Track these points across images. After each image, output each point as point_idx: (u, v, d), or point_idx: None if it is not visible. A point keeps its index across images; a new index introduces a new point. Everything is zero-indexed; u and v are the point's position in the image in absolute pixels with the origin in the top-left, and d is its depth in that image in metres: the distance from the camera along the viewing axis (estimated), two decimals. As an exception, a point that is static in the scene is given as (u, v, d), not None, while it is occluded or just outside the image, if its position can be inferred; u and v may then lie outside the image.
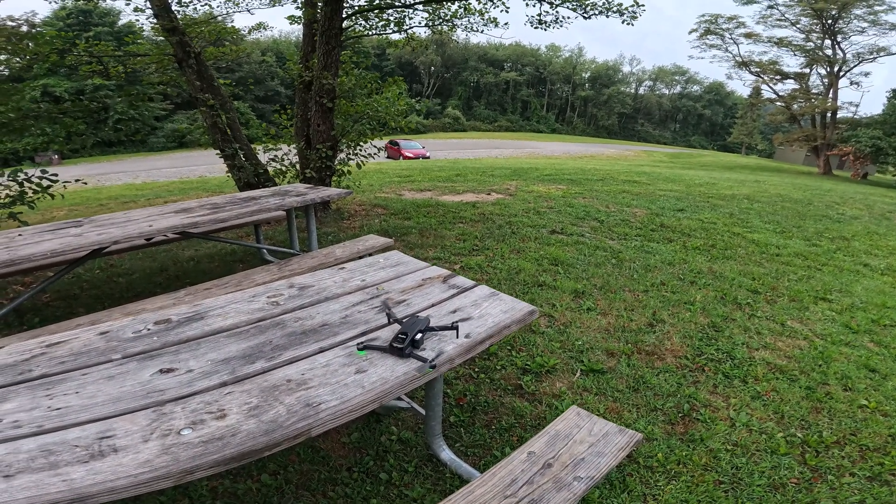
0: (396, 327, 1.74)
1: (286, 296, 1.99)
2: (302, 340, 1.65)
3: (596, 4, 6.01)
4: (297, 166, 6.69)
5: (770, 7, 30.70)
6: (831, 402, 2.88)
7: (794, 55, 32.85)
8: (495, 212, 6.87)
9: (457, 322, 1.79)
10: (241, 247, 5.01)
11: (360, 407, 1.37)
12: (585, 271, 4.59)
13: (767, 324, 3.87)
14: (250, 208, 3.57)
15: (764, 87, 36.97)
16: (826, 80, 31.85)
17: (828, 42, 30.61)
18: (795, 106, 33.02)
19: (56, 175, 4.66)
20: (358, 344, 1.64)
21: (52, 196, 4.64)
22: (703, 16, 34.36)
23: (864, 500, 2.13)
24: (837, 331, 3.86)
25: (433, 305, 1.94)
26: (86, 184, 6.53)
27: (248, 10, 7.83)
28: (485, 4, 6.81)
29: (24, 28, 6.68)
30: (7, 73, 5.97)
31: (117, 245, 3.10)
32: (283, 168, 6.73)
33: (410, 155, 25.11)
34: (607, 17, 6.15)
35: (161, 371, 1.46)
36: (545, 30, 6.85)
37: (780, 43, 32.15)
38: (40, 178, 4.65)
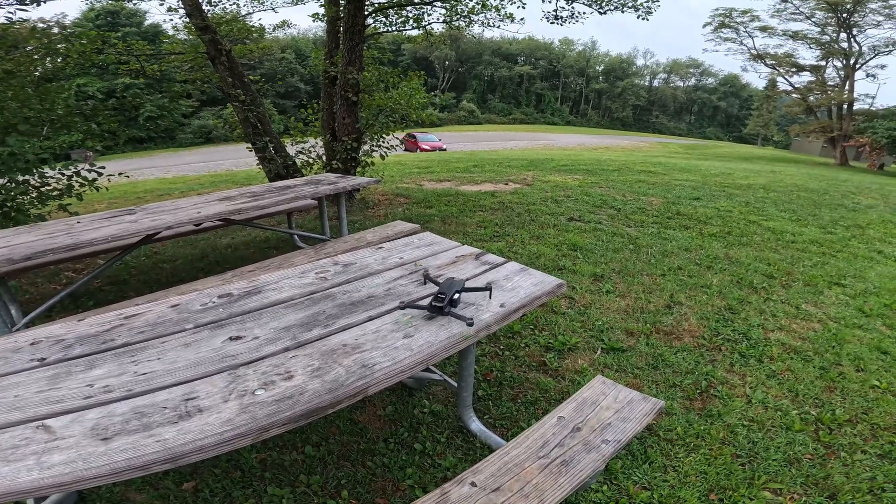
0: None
1: (332, 272, 2.15)
2: (352, 310, 1.81)
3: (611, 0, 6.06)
4: (324, 158, 6.86)
5: (784, 1, 30.44)
6: (844, 381, 2.98)
7: (810, 48, 32.48)
8: (514, 200, 6.99)
9: (489, 284, 1.94)
10: (274, 234, 5.22)
11: (409, 367, 1.51)
12: (604, 256, 4.71)
13: (783, 307, 3.97)
14: (287, 196, 3.76)
15: (780, 79, 36.72)
16: (842, 73, 31.41)
17: (843, 35, 30.17)
18: (811, 98, 32.60)
19: (103, 167, 4.88)
20: (400, 303, 1.80)
21: (98, 189, 4.86)
22: (717, 9, 33.98)
23: (875, 477, 2.23)
24: (851, 314, 3.94)
25: (468, 279, 2.09)
26: (128, 177, 6.80)
27: (273, 9, 8.01)
28: (501, 0, 6.84)
29: (56, 30, 6.89)
30: (39, 74, 6.18)
31: (168, 231, 3.30)
32: (310, 160, 6.91)
33: (427, 147, 25.18)
34: (623, 12, 6.19)
35: (231, 338, 1.61)
36: (561, 25, 6.90)
37: (795, 36, 31.83)
38: (89, 170, 4.88)
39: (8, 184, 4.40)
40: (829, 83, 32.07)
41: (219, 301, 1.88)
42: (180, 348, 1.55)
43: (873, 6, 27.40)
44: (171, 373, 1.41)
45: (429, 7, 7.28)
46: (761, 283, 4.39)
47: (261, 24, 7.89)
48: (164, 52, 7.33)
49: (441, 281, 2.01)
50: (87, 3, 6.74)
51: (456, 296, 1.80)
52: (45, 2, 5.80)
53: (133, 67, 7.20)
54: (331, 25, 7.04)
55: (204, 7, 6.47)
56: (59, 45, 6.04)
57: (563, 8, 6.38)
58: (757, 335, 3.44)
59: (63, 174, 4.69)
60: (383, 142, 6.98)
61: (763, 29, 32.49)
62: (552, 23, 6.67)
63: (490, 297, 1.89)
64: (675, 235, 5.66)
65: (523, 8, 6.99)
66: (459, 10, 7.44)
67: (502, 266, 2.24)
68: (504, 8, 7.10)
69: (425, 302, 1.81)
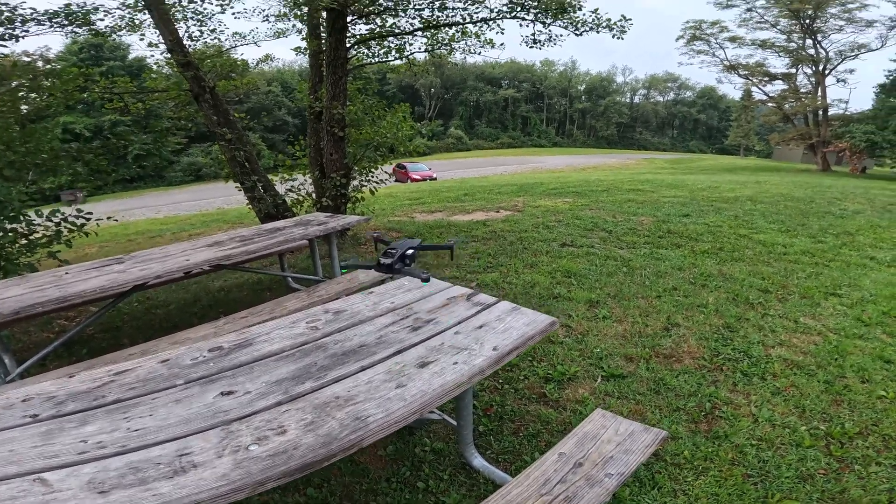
0: (431, 343, 1.86)
1: (323, 321, 2.13)
2: (343, 361, 1.79)
3: (586, 21, 6.22)
4: (313, 195, 6.87)
5: (748, 10, 31.28)
6: (850, 394, 2.96)
7: (780, 56, 33.34)
8: (506, 228, 7.02)
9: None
10: (267, 275, 5.20)
11: (403, 418, 1.49)
12: (598, 281, 4.71)
13: (781, 321, 3.97)
14: (276, 239, 3.75)
15: (754, 88, 37.54)
16: (813, 80, 32.15)
17: (809, 42, 31.01)
18: (787, 106, 33.26)
19: (90, 213, 4.87)
20: (341, 265, 1.77)
21: (87, 234, 4.84)
22: (687, 22, 34.59)
23: (893, 488, 2.20)
24: (850, 325, 3.94)
25: (460, 323, 2.07)
26: (117, 220, 6.78)
27: (255, 43, 8.07)
28: (480, 27, 7.00)
29: (40, 63, 6.90)
30: (25, 111, 6.20)
31: (157, 279, 3.28)
32: (300, 198, 6.92)
33: (418, 177, 25.33)
34: (598, 32, 6.32)
35: (222, 393, 1.59)
36: (539, 48, 7.05)
37: (763, 45, 32.64)
38: (76, 216, 4.85)
39: None
40: (802, 90, 32.76)
41: (209, 355, 1.86)
42: (172, 404, 1.54)
43: (833, 11, 28.35)
44: (163, 429, 1.41)
45: (410, 37, 7.41)
46: (757, 299, 4.39)
47: (244, 60, 7.94)
48: (147, 89, 7.30)
49: (433, 329, 1.99)
50: (69, 37, 6.76)
51: (409, 251, 1.75)
52: (23, 37, 5.84)
53: (117, 105, 7.21)
54: (314, 59, 7.13)
55: (185, 42, 6.47)
56: (45, 82, 6.05)
57: (541, 31, 6.52)
58: (758, 352, 3.42)
59: (51, 220, 4.68)
60: (372, 176, 7.00)
61: (732, 39, 33.28)
62: (531, 47, 6.83)
63: (452, 258, 1.86)
64: (668, 255, 5.68)
65: (502, 34, 7.14)
66: (440, 39, 7.58)
67: (494, 306, 2.22)
68: (484, 34, 7.24)
69: (420, 358, 1.79)
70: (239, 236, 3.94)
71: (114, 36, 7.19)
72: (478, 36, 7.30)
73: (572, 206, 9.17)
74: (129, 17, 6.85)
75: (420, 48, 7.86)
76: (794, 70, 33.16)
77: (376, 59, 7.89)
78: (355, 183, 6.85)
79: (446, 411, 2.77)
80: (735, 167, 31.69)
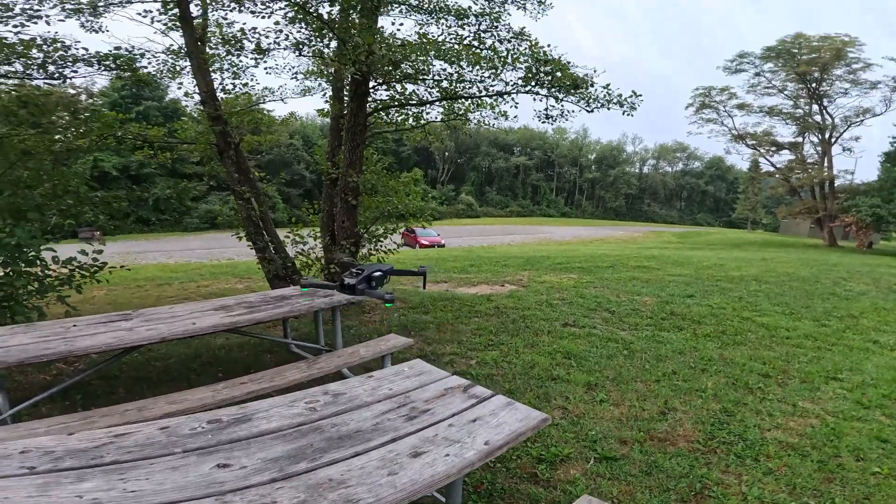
0: (425, 433, 1.95)
1: (322, 402, 2.24)
2: (339, 445, 1.88)
3: (598, 97, 6.40)
4: (322, 261, 7.06)
5: (757, 75, 32.41)
6: (843, 471, 2.99)
7: (787, 124, 34.14)
8: (509, 305, 7.12)
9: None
10: (269, 339, 5.29)
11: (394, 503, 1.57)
12: (598, 364, 4.76)
13: (779, 405, 3.98)
14: (282, 309, 3.91)
15: (761, 159, 37.85)
16: (819, 149, 32.73)
17: (815, 108, 31.89)
18: (794, 178, 33.66)
19: (104, 261, 5.02)
20: (301, 282, 1.84)
21: (98, 281, 4.98)
22: (697, 89, 35.39)
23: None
24: (849, 407, 3.97)
25: (454, 415, 2.16)
26: (129, 269, 6.96)
27: (282, 99, 8.48)
28: (495, 99, 7.26)
29: (83, 97, 7.15)
30: (58, 147, 6.45)
31: (162, 340, 3.41)
32: (309, 262, 7.11)
33: (426, 243, 25.61)
34: (608, 109, 6.49)
35: (218, 466, 1.68)
36: (552, 123, 7.29)
37: (771, 112, 33.51)
38: (91, 265, 5.02)
39: (9, 274, 4.53)
40: (809, 160, 33.27)
41: (208, 427, 1.96)
42: (168, 471, 1.63)
43: (838, 72, 29.31)
44: (159, 493, 1.49)
45: (428, 105, 7.72)
46: (757, 384, 4.42)
47: (270, 115, 8.20)
48: (176, 139, 7.64)
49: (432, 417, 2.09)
50: (112, 75, 7.09)
51: (376, 273, 1.80)
52: (71, 78, 6.20)
53: (147, 154, 7.53)
54: (334, 122, 7.48)
55: (218, 95, 6.71)
56: (83, 114, 6.28)
57: (553, 107, 6.71)
58: (753, 435, 3.44)
59: (66, 267, 4.85)
60: (381, 245, 7.20)
61: (741, 107, 34.05)
62: (543, 122, 7.08)
63: (424, 287, 1.91)
64: (670, 338, 5.74)
65: (516, 107, 7.40)
66: (456, 109, 7.92)
67: (489, 400, 2.32)
68: (498, 106, 7.53)
69: (412, 448, 1.86)
70: (246, 302, 4.08)
71: (155, 80, 7.60)
72: (493, 107, 7.62)
73: (577, 282, 9.30)
74: (171, 63, 7.29)
75: (436, 117, 8.17)
76: (800, 139, 33.84)
77: (394, 128, 8.29)
78: (364, 251, 7.04)
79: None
80: (742, 242, 31.88)
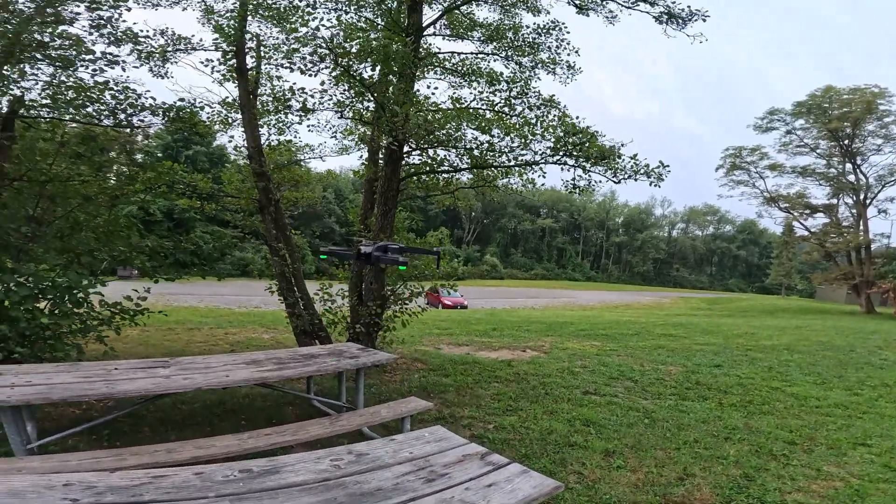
0: (442, 495, 2.07)
1: (346, 461, 2.39)
2: (361, 501, 2.02)
3: (625, 168, 6.40)
4: (348, 319, 7.24)
5: (788, 133, 32.06)
6: None
7: (820, 184, 33.17)
8: (530, 371, 7.14)
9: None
10: (293, 394, 5.42)
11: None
12: (617, 431, 4.74)
13: (802, 470, 3.93)
14: (310, 367, 4.12)
15: (795, 223, 36.62)
16: (854, 211, 31.89)
17: (849, 167, 31.30)
18: (829, 243, 32.54)
19: (146, 308, 5.33)
20: (320, 251, 2.05)
21: (136, 324, 5.27)
22: (727, 149, 34.70)
23: None
24: (875, 471, 3.91)
25: (471, 479, 2.29)
26: (166, 315, 7.25)
27: (321, 157, 8.95)
28: (523, 168, 7.41)
29: (139, 137, 7.56)
30: (112, 183, 6.73)
31: (196, 389, 3.61)
32: (336, 319, 7.28)
33: (449, 303, 25.59)
34: (636, 180, 6.49)
35: (250, 514, 1.84)
36: (579, 194, 7.37)
37: (804, 172, 32.75)
38: (133, 312, 5.33)
39: (55, 313, 4.84)
40: (844, 224, 32.28)
41: (240, 475, 2.13)
42: None
43: (870, 127, 28.96)
44: None
45: (457, 172, 8.03)
46: (781, 450, 4.36)
47: (308, 170, 8.63)
48: (223, 192, 8.07)
49: None
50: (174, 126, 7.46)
51: (392, 246, 1.91)
52: (137, 128, 6.63)
53: (194, 204, 7.91)
54: (368, 185, 7.83)
55: (264, 149, 7.09)
56: (138, 155, 6.62)
57: (581, 177, 6.71)
58: (773, 498, 3.41)
59: (112, 310, 5.17)
60: (406, 308, 7.38)
61: (773, 167, 33.39)
62: (570, 192, 7.17)
63: (438, 265, 2.04)
64: (693, 407, 5.67)
65: (544, 176, 7.54)
66: (485, 176, 8.17)
67: (505, 468, 2.44)
68: (526, 174, 7.75)
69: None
70: (276, 358, 4.30)
71: (209, 131, 8.11)
72: (521, 175, 7.88)
73: (600, 350, 9.26)
74: (224, 115, 7.79)
75: (466, 183, 8.47)
76: (835, 200, 32.97)
77: (426, 193, 8.63)
78: (389, 312, 7.23)
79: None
80: (776, 309, 31.05)
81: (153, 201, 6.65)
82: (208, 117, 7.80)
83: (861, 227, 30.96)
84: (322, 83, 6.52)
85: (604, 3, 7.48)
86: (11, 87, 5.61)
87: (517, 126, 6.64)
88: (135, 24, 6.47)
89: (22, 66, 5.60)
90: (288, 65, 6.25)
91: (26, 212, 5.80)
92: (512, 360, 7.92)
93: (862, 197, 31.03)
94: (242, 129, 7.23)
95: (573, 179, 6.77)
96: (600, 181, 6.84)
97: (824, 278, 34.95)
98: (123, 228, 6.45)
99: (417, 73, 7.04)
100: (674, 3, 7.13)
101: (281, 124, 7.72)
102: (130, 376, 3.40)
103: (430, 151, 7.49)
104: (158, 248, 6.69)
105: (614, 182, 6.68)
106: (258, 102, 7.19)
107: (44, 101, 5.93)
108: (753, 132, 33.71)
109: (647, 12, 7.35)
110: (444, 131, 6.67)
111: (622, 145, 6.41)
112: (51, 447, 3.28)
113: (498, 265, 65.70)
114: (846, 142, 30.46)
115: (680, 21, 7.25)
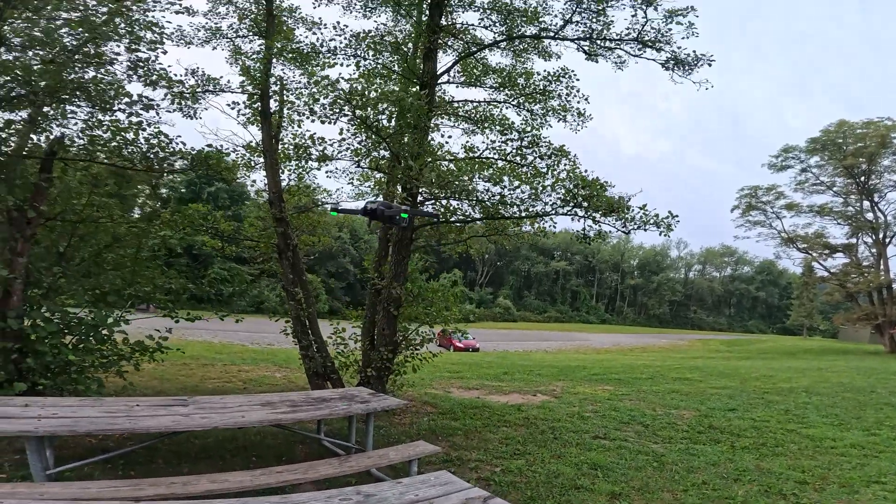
0: None
1: (354, 501, 2.50)
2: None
3: (634, 219, 6.45)
4: (360, 362, 7.36)
5: (803, 171, 31.83)
6: None
7: (838, 223, 32.62)
8: (539, 416, 7.12)
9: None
10: (303, 434, 5.51)
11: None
12: (625, 475, 4.73)
13: (810, 508, 3.91)
14: (322, 411, 4.29)
15: (814, 263, 36.13)
16: (874, 250, 31.38)
17: (867, 204, 30.90)
18: (849, 283, 31.98)
19: (168, 348, 5.60)
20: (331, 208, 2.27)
21: (154, 360, 5.50)
22: (742, 189, 34.39)
23: None
24: None
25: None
26: (183, 353, 7.42)
27: (339, 203, 9.13)
28: (533, 218, 7.49)
29: (165, 174, 7.60)
30: (137, 217, 6.99)
31: (213, 428, 3.76)
32: (348, 363, 7.43)
33: (461, 346, 25.57)
34: (645, 230, 6.53)
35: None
36: (589, 244, 7.41)
37: (821, 211, 32.23)
38: (154, 350, 5.55)
39: (80, 349, 5.07)
40: (864, 263, 31.70)
41: None
42: None
43: (886, 163, 28.72)
44: None
45: (471, 221, 8.09)
46: (791, 490, 4.34)
47: (323, 210, 8.82)
48: (244, 236, 8.31)
49: None
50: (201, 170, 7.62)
51: (395, 203, 2.16)
52: (167, 173, 6.84)
53: (217, 245, 8.15)
54: (383, 233, 8.01)
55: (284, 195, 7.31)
56: (163, 190, 6.76)
57: (591, 227, 6.74)
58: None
59: (135, 349, 5.43)
60: (417, 353, 7.47)
61: (789, 207, 32.94)
62: (580, 242, 7.26)
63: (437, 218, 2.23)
64: (704, 450, 5.63)
65: (554, 227, 7.57)
66: (496, 226, 8.26)
67: None
68: (537, 223, 7.77)
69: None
70: (290, 400, 4.48)
71: (234, 176, 8.39)
72: (532, 224, 7.95)
73: (612, 394, 9.20)
74: (248, 158, 8.07)
75: (478, 231, 8.61)
76: (854, 240, 32.51)
77: (440, 242, 8.79)
78: (400, 357, 7.32)
79: None
80: (797, 350, 30.37)
81: (174, 237, 6.84)
82: (232, 160, 8.11)
83: (882, 267, 30.46)
84: (340, 131, 6.74)
85: (612, 49, 7.65)
86: (52, 125, 5.92)
87: (528, 176, 6.75)
88: (169, 66, 6.75)
89: (63, 106, 5.89)
90: (309, 115, 6.48)
91: (56, 250, 6.10)
92: (522, 405, 7.91)
93: (881, 236, 30.68)
94: (264, 174, 7.52)
95: (584, 230, 6.81)
96: (610, 231, 6.87)
97: (846, 319, 34.17)
98: (148, 268, 6.71)
99: (432, 124, 7.26)
100: (680, 48, 7.26)
101: (301, 169, 7.98)
102: (152, 413, 3.61)
103: (443, 200, 7.62)
104: (182, 289, 6.96)
105: (624, 233, 6.73)
106: (279, 147, 7.49)
107: (80, 143, 6.15)
108: (768, 171, 33.64)
109: (654, 59, 7.53)
110: (457, 183, 6.82)
111: (630, 197, 6.48)
112: (67, 474, 3.41)
113: (511, 308, 65.24)
114: (862, 178, 30.27)
115: (686, 66, 7.39)
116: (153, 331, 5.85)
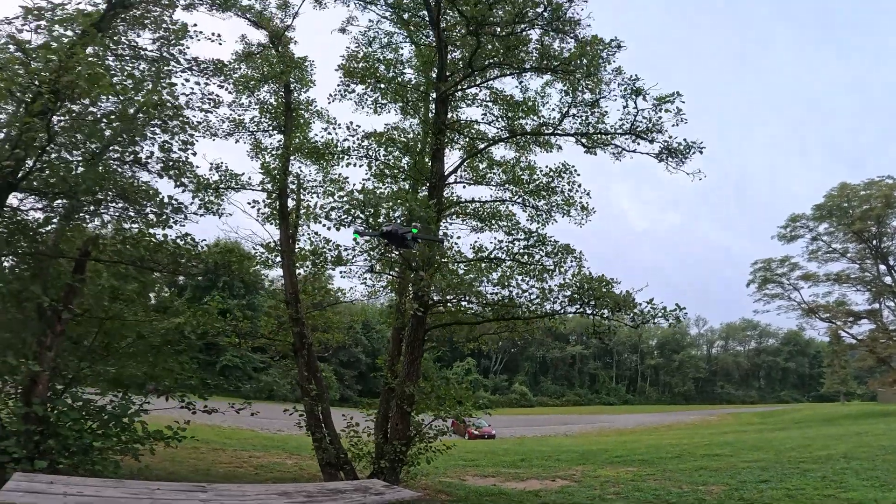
0: None
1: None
2: None
3: (643, 313, 6.59)
4: (373, 454, 7.19)
5: (814, 239, 31.43)
6: None
7: (858, 290, 31.74)
8: (558, 500, 6.82)
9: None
10: None
11: None
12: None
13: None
14: (337, 503, 4.22)
15: (841, 331, 34.63)
16: None
17: (883, 268, 30.31)
18: (879, 348, 30.59)
19: (185, 435, 5.72)
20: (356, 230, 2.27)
21: (168, 444, 5.59)
22: (755, 263, 33.76)
23: None
24: None
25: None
26: (198, 440, 7.23)
27: (352, 301, 9.29)
28: (542, 318, 7.57)
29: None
30: (154, 303, 7.08)
31: None
32: (361, 454, 7.29)
33: (476, 433, 24.63)
34: (653, 323, 6.73)
35: None
36: (600, 340, 7.41)
37: (839, 279, 31.52)
38: (171, 438, 5.65)
39: (101, 433, 5.24)
40: (891, 327, 30.60)
41: None
42: None
43: (895, 223, 28.48)
44: None
45: (481, 322, 8.12)
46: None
47: (339, 314, 8.98)
48: (260, 335, 8.39)
49: None
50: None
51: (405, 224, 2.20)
52: (192, 276, 6.94)
53: (233, 342, 8.12)
54: (395, 333, 8.11)
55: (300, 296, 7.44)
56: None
57: (601, 323, 6.85)
58: None
59: (156, 437, 5.56)
60: (430, 446, 7.24)
61: (806, 277, 32.22)
62: (589, 338, 7.30)
63: (442, 245, 2.24)
64: (734, 522, 5.28)
65: (564, 326, 7.59)
66: (508, 325, 8.13)
67: None
68: (549, 317, 7.63)
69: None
70: (305, 491, 4.50)
71: (255, 281, 8.47)
72: (543, 321, 7.93)
73: (636, 475, 8.79)
74: (266, 256, 8.22)
75: (488, 329, 8.57)
76: (877, 305, 31.57)
77: (452, 340, 8.82)
78: (414, 450, 7.11)
79: None
80: (835, 416, 28.77)
81: (186, 321, 6.81)
82: (251, 258, 8.43)
83: (909, 330, 29.30)
84: (355, 238, 6.72)
85: (608, 143, 7.92)
86: (86, 221, 6.23)
87: (536, 272, 6.88)
88: (194, 154, 6.90)
89: (99, 207, 6.20)
90: (325, 221, 6.65)
91: (83, 345, 6.32)
92: (539, 490, 7.56)
93: (903, 299, 29.81)
94: (281, 273, 7.83)
95: (594, 325, 7.00)
96: (621, 326, 7.17)
97: (881, 383, 32.76)
98: (167, 360, 6.78)
99: (441, 226, 7.46)
100: (672, 137, 7.43)
101: (316, 268, 8.03)
102: (172, 497, 3.65)
103: (453, 303, 7.68)
104: (200, 383, 7.10)
105: (633, 328, 6.81)
106: (296, 247, 7.80)
107: (111, 239, 6.40)
108: (779, 242, 33.20)
109: (648, 153, 7.72)
110: (466, 286, 6.91)
111: (636, 293, 6.53)
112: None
113: (527, 393, 62.96)
114: (874, 242, 30.00)
115: (678, 155, 7.49)
116: (172, 422, 6.03)
